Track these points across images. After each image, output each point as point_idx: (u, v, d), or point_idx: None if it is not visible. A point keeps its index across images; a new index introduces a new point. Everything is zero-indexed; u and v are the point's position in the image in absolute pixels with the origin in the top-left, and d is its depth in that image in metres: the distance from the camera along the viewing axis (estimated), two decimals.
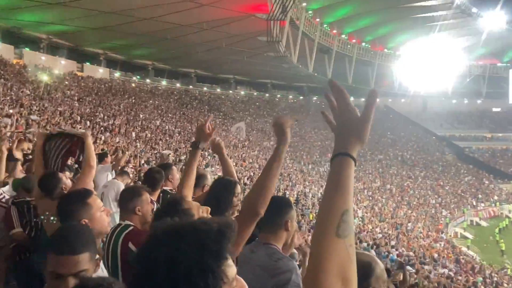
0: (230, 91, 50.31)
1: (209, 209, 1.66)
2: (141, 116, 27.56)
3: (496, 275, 19.52)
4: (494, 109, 58.64)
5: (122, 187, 4.49)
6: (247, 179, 22.12)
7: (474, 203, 37.23)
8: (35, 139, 4.13)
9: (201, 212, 1.66)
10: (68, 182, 3.01)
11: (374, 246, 18.35)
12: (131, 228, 2.37)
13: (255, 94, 52.79)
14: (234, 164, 24.04)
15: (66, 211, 1.99)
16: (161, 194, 3.53)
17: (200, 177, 3.15)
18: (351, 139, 1.11)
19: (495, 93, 57.49)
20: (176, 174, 3.96)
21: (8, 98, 19.22)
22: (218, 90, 49.05)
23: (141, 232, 2.33)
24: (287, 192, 23.01)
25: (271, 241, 2.00)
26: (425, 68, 50.10)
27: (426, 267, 16.75)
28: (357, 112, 1.15)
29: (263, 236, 2.05)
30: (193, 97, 42.58)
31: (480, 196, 39.19)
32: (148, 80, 42.22)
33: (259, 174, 2.08)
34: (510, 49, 54.11)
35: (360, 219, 24.18)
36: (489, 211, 36.67)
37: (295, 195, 23.50)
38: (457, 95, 57.76)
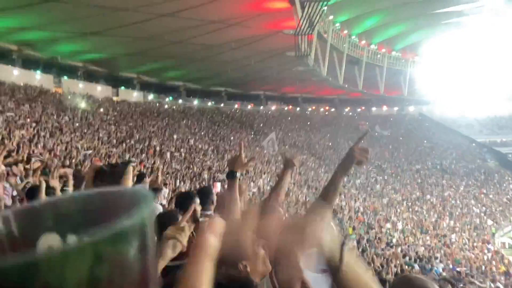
0: (261, 107, 50.65)
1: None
2: (175, 136, 28.16)
3: None
4: None
5: (160, 210, 4.56)
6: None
7: None
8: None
9: (257, 245, 1.58)
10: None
11: (418, 260, 17.68)
12: None
13: (285, 109, 52.88)
14: (269, 179, 24.06)
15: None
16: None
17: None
18: None
19: None
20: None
21: (50, 125, 20.17)
22: (249, 107, 49.52)
23: None
24: None
25: None
26: (460, 73, 48.65)
27: (477, 282, 15.91)
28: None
29: None
30: (225, 115, 43.15)
31: None
32: (180, 101, 43.24)
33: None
34: None
35: (401, 232, 23.42)
36: None
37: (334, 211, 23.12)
38: (496, 99, 55.45)
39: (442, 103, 54.63)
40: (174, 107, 40.52)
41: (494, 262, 21.52)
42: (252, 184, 21.81)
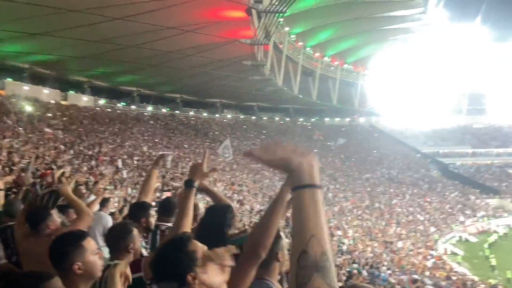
0: (217, 115, 50.53)
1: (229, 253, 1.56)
2: (127, 143, 27.38)
3: None
4: (475, 126, 59.99)
5: (110, 221, 4.39)
6: (237, 202, 21.97)
7: (462, 219, 37.49)
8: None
9: (207, 258, 1.56)
10: (57, 220, 2.94)
11: (366, 266, 18.25)
12: None
13: (241, 117, 53.09)
14: (223, 188, 23.94)
15: (60, 253, 1.92)
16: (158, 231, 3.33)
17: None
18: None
19: (475, 110, 59.01)
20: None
21: None
22: (205, 114, 49.23)
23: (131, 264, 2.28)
24: None
25: (264, 275, 1.99)
26: (407, 87, 51.35)
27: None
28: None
29: (257, 271, 2.03)
30: (180, 122, 42.58)
31: (467, 211, 39.53)
32: (133, 107, 42.17)
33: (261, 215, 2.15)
34: (488, 66, 55.80)
35: (351, 239, 24.10)
36: (477, 226, 36.91)
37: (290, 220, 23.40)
38: (438, 113, 59.01)
39: (391, 115, 57.30)
40: (127, 112, 39.45)
41: (437, 268, 22.67)
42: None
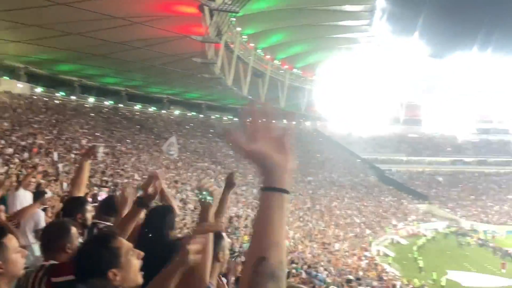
0: (163, 111, 49.41)
1: (141, 253, 1.55)
2: (64, 135, 25.94)
3: None
4: (410, 135, 63.93)
5: (42, 216, 4.13)
6: (180, 201, 21.63)
7: (395, 222, 39.75)
8: None
9: (131, 254, 1.53)
10: None
11: (305, 266, 18.74)
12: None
13: (189, 114, 52.35)
14: (167, 185, 23.44)
15: None
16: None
17: None
18: (282, 171, 1.01)
19: (411, 120, 62.88)
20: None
21: None
22: (151, 109, 47.94)
23: (62, 264, 2.16)
24: None
25: None
26: (350, 95, 53.45)
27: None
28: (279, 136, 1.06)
29: None
30: (123, 116, 41.11)
31: (399, 215, 41.99)
32: (73, 97, 40.05)
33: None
34: (424, 80, 59.71)
35: (292, 240, 24.62)
36: (408, 229, 39.33)
37: (228, 217, 23.37)
38: (378, 121, 62.10)
39: (335, 121, 59.38)
40: (66, 103, 37.41)
41: (370, 269, 23.83)
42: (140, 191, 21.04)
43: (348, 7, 37.14)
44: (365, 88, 54.69)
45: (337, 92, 53.54)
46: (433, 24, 54.23)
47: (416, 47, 51.12)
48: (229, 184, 3.07)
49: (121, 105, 44.15)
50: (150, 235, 2.58)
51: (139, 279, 1.51)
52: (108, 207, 3.29)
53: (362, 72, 49.95)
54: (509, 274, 27.05)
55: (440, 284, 24.39)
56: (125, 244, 1.52)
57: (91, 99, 41.92)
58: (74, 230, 2.40)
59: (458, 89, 60.75)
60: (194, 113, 52.84)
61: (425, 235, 38.17)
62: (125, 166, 24.63)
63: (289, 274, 11.88)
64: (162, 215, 2.84)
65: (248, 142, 1.03)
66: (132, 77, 39.99)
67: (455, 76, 55.70)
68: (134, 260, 1.51)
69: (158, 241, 2.54)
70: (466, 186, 54.47)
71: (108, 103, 43.38)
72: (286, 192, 0.99)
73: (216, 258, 2.06)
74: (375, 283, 19.59)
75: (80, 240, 2.87)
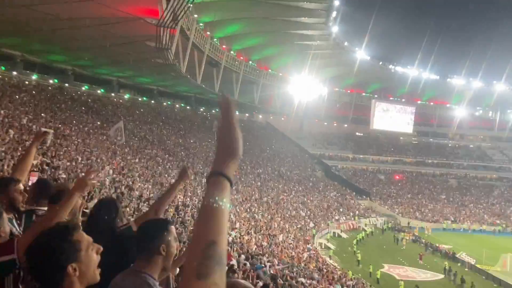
0: (112, 94, 47.60)
1: (100, 248, 1.50)
2: (2, 112, 24.23)
3: (350, 281, 21.87)
4: (357, 133, 66.54)
5: None
6: (125, 188, 21.04)
7: (337, 217, 41.32)
8: None
9: (91, 249, 1.48)
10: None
11: (250, 257, 19.00)
12: None
13: (139, 99, 50.85)
14: (111, 172, 22.70)
15: None
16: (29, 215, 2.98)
17: None
18: (227, 158, 1.05)
19: (359, 119, 65.43)
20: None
21: None
22: (99, 91, 46.01)
23: None
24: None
25: (145, 269, 1.92)
26: (303, 91, 54.55)
27: (300, 278, 17.94)
28: (236, 131, 1.09)
29: (138, 263, 1.97)
30: (69, 97, 39.11)
31: (342, 210, 43.70)
32: (14, 73, 37.49)
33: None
34: (373, 81, 62.23)
35: (237, 230, 24.83)
36: (349, 224, 41.07)
37: (175, 207, 23.09)
38: (328, 118, 64.05)
39: (286, 116, 60.41)
40: (6, 78, 34.93)
41: (311, 261, 24.64)
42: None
43: (305, 4, 37.63)
44: (318, 84, 56.08)
45: (291, 87, 54.48)
46: (383, 31, 56.52)
47: (367, 50, 53.01)
48: (182, 176, 3.09)
49: (66, 85, 41.95)
50: (97, 227, 2.53)
51: (97, 276, 1.46)
52: (42, 192, 3.11)
53: (315, 69, 51.10)
54: (438, 269, 29.20)
55: (375, 277, 25.79)
56: (85, 237, 1.46)
57: (34, 76, 39.48)
58: (4, 215, 2.30)
59: (404, 93, 64.04)
60: (145, 98, 51.44)
61: (364, 230, 40.05)
62: (68, 148, 23.50)
63: (232, 267, 11.99)
64: (108, 207, 2.84)
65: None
66: (80, 56, 38.03)
67: (402, 80, 58.52)
68: (94, 255, 1.45)
69: (107, 233, 2.50)
70: (405, 184, 57.75)
71: (52, 81, 41.07)
72: (231, 183, 1.03)
73: (158, 251, 1.95)
74: (315, 275, 20.30)
75: (17, 227, 2.73)
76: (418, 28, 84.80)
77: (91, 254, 1.45)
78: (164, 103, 53.51)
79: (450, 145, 69.32)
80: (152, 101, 51.68)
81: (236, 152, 1.06)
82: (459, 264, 31.03)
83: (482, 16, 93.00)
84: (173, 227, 2.13)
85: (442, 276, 28.14)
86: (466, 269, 30.02)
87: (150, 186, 24.68)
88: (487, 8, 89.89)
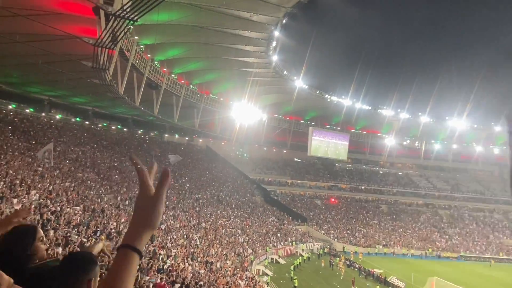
0: (43, 114, 44.93)
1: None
2: None
3: None
4: (296, 159, 68.37)
5: None
6: (52, 214, 19.65)
7: (275, 243, 41.59)
8: None
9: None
10: None
11: (184, 286, 18.44)
12: None
13: (72, 120, 48.45)
14: (38, 197, 21.14)
15: None
16: None
17: None
18: (142, 229, 1.07)
19: (297, 145, 67.42)
20: None
21: None
22: (28, 110, 43.22)
23: None
24: (98, 230, 21.31)
25: None
26: (243, 116, 55.32)
27: None
28: (151, 192, 1.10)
29: None
30: None
31: (279, 235, 44.10)
32: None
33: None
34: (310, 110, 64.80)
35: (173, 258, 24.06)
36: (287, 249, 41.46)
37: (106, 233, 21.92)
38: (268, 144, 65.30)
39: (226, 140, 60.64)
40: None
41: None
42: (15, 200, 18.76)
43: (246, 33, 38.65)
44: (257, 110, 57.19)
45: (231, 112, 55.01)
46: (320, 62, 59.30)
47: (305, 80, 55.19)
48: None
49: None
50: (7, 259, 2.15)
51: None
52: None
53: (255, 95, 52.21)
54: None
55: None
56: (6, 279, 1.34)
57: None
58: None
59: (339, 121, 67.30)
60: (78, 119, 49.12)
61: (301, 255, 40.61)
62: None
63: None
64: (21, 236, 2.40)
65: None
66: (8, 73, 35.68)
67: (337, 110, 61.49)
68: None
69: (17, 266, 2.13)
70: (340, 209, 59.85)
71: None
72: (141, 256, 1.05)
73: (88, 285, 1.76)
74: None
75: None
76: (351, 62, 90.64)
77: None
78: (100, 124, 51.46)
79: (381, 172, 73.39)
80: (86, 122, 49.50)
81: (155, 225, 1.08)
82: None
83: (406, 52, 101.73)
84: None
85: None
86: None
87: (80, 212, 23.27)
88: (410, 47, 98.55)
